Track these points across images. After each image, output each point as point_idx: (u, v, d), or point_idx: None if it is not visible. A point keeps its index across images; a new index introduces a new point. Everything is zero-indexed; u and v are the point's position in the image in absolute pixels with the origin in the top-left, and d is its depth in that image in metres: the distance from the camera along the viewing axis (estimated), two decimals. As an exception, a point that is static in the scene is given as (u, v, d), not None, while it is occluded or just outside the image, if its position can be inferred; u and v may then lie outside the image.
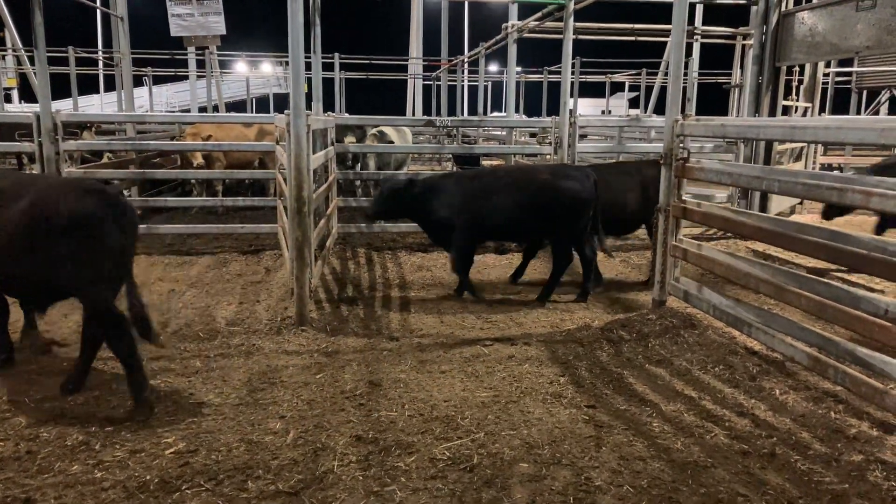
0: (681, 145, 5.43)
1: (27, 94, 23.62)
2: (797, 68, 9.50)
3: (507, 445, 3.58)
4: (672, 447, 3.58)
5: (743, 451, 3.55)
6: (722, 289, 5.70)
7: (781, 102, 8.90)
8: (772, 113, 8.63)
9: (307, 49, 6.20)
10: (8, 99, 22.30)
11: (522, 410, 4.02)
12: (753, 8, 9.05)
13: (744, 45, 11.92)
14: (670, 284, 5.65)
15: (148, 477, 3.24)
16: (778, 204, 9.17)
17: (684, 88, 7.28)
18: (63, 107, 14.37)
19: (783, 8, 8.65)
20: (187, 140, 9.92)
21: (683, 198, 5.50)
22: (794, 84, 9.62)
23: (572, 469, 3.37)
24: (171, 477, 3.25)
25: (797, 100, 9.85)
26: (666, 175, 5.52)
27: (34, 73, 15.79)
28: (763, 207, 8.85)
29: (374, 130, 9.63)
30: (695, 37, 12.47)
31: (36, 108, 7.72)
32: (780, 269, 4.49)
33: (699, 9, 14.64)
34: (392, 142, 9.74)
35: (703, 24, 13.80)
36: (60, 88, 18.25)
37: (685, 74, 5.82)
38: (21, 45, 20.21)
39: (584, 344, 5.18)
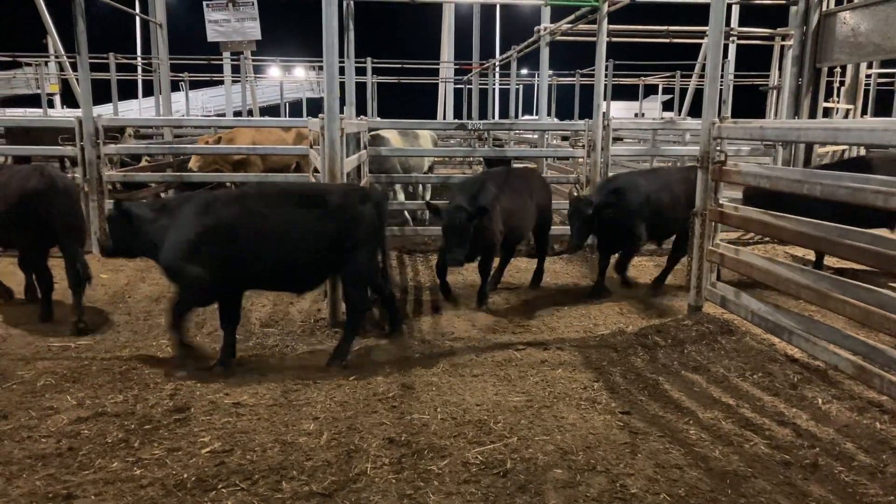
0: (717, 148, 5.34)
1: (69, 100, 24.24)
2: (838, 69, 9.28)
3: (541, 451, 3.55)
4: (710, 455, 3.51)
5: (784, 461, 3.46)
6: (759, 294, 5.58)
7: (822, 104, 8.70)
8: (812, 115, 8.43)
9: (341, 54, 6.25)
10: (51, 104, 22.94)
11: (556, 416, 3.98)
12: (793, 8, 8.88)
13: (782, 46, 11.68)
14: (707, 290, 5.55)
15: (185, 475, 3.29)
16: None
17: (720, 90, 7.12)
18: (104, 112, 14.75)
19: (824, 8, 8.45)
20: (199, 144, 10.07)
21: (720, 201, 5.40)
22: (836, 85, 9.39)
23: (607, 476, 3.32)
24: (207, 476, 3.29)
25: (838, 101, 9.61)
26: (702, 178, 5.43)
27: (76, 79, 16.21)
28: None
29: (370, 134, 9.55)
30: (731, 38, 12.26)
31: (78, 112, 7.93)
32: (823, 275, 4.38)
33: (735, 9, 14.38)
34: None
35: (740, 24, 13.55)
36: (101, 94, 18.73)
37: (721, 76, 5.71)
38: (63, 52, 20.78)
39: (618, 349, 5.12)
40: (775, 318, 4.68)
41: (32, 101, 26.12)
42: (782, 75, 11.03)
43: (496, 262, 6.64)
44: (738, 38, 12.43)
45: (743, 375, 4.56)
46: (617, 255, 6.83)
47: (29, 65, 24.31)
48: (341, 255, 4.70)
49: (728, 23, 13.78)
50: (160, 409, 4.03)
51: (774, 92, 12.49)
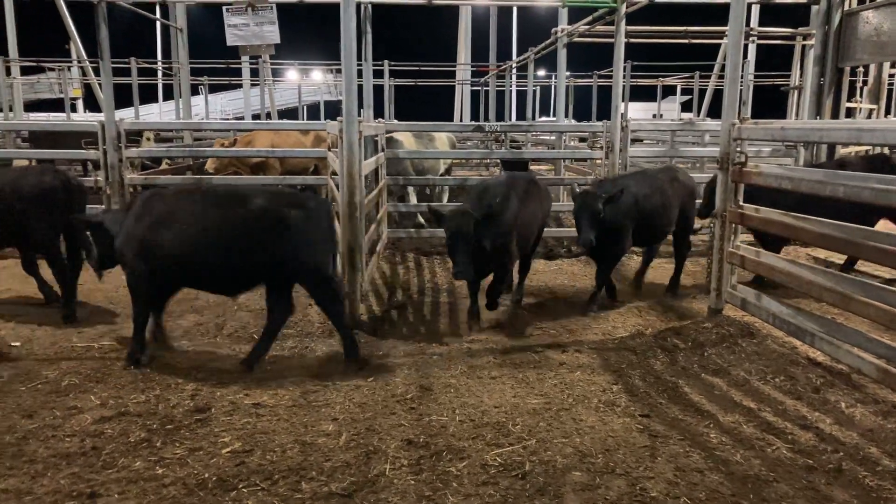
0: (738, 149, 5.29)
1: (91, 104, 24.58)
2: (861, 69, 9.15)
3: (560, 453, 3.54)
4: (731, 459, 3.48)
5: (807, 465, 3.42)
6: (781, 297, 5.51)
7: (845, 104, 8.58)
8: (834, 115, 8.33)
9: (358, 57, 6.28)
10: (73, 108, 23.28)
11: (575, 418, 3.97)
12: (814, 7, 8.77)
13: (804, 46, 11.55)
14: (727, 292, 5.50)
15: (206, 475, 3.32)
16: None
17: (740, 91, 7.08)
18: (125, 116, 14.94)
19: (846, 7, 8.35)
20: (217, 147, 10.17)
21: (741, 203, 5.35)
22: (858, 85, 9.26)
23: (627, 479, 3.30)
24: (228, 476, 3.32)
25: (861, 102, 9.48)
26: (722, 180, 5.38)
27: (98, 84, 16.44)
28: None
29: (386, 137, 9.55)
30: (751, 38, 12.15)
31: (100, 116, 8.04)
32: (846, 278, 4.32)
33: (755, 9, 14.25)
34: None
35: (760, 24, 13.42)
36: (122, 98, 18.97)
37: (740, 77, 5.64)
38: (86, 57, 21.08)
39: (637, 352, 5.08)
40: (798, 321, 4.62)
41: (56, 105, 26.56)
42: (803, 75, 10.89)
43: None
44: (759, 38, 12.31)
45: (764, 379, 4.51)
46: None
47: (52, 70, 24.72)
48: (265, 260, 4.59)
49: (748, 23, 13.66)
50: (181, 409, 4.07)
51: (795, 92, 12.34)
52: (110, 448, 3.57)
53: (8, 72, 18.80)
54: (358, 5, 6.28)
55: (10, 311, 5.98)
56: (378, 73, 17.90)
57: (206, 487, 3.22)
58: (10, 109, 18.52)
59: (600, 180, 6.28)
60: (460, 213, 5.26)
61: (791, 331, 4.73)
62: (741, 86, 12.94)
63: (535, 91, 17.04)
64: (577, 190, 5.98)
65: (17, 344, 5.17)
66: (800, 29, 11.61)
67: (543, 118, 27.20)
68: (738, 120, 5.26)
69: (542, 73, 27.21)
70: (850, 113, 9.05)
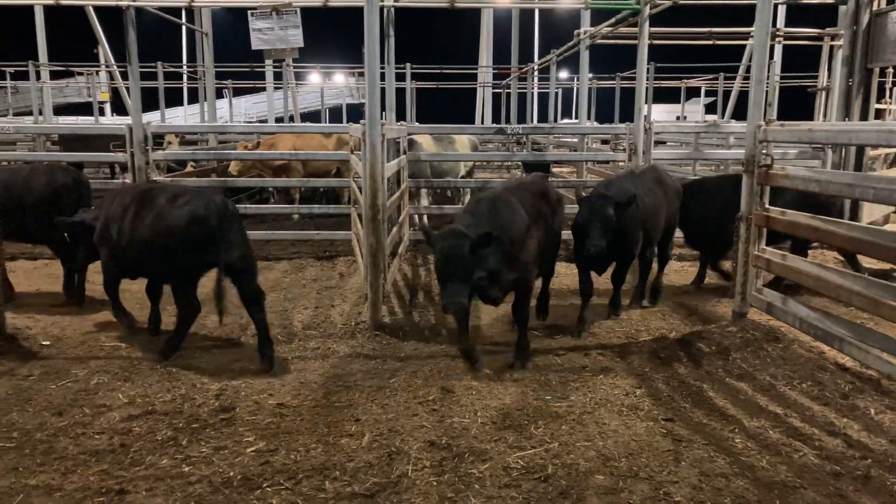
0: (763, 151, 5.23)
1: (118, 108, 25.02)
2: (890, 70, 8.99)
3: (583, 457, 3.52)
4: (756, 465, 3.44)
5: (835, 472, 3.37)
6: (805, 300, 5.44)
7: (874, 106, 8.44)
8: (863, 117, 8.19)
9: (381, 60, 6.31)
10: (101, 112, 23.71)
11: (597, 422, 3.95)
12: (842, 7, 8.64)
13: (831, 47, 11.38)
14: (752, 296, 5.43)
15: (231, 473, 3.36)
16: (869, 213, 8.68)
17: (765, 92, 6.94)
18: (151, 119, 15.17)
19: (875, 7, 8.21)
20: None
21: (766, 206, 5.29)
22: (888, 86, 9.10)
23: (650, 483, 3.28)
24: (252, 474, 3.36)
25: (891, 103, 9.31)
26: (748, 182, 5.33)
27: (126, 88, 16.71)
28: (853, 217, 8.39)
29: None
30: (777, 38, 12.00)
31: (127, 120, 8.18)
32: (876, 282, 4.25)
33: (781, 9, 14.06)
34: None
35: (786, 25, 13.24)
36: (148, 101, 19.27)
37: (766, 78, 5.56)
38: (114, 61, 21.45)
39: (660, 356, 5.04)
40: (826, 326, 4.55)
41: (84, 109, 27.06)
42: (831, 76, 10.73)
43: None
44: (785, 39, 12.15)
45: (791, 384, 4.45)
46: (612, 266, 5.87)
47: (81, 74, 25.21)
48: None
49: (774, 23, 13.49)
50: (206, 408, 4.13)
51: (823, 94, 12.16)
52: (138, 446, 3.63)
53: (38, 76, 19.18)
54: (381, 8, 6.32)
55: (40, 311, 6.10)
56: (400, 76, 18.00)
57: (231, 486, 3.26)
58: (41, 113, 18.91)
59: (605, 183, 5.93)
60: (452, 234, 4.40)
61: (819, 335, 4.66)
62: (767, 87, 12.80)
63: (556, 93, 17.01)
64: (584, 195, 5.66)
65: (48, 343, 5.28)
66: (827, 29, 11.44)
67: (565, 120, 27.10)
68: (763, 122, 5.21)
69: (563, 74, 27.12)
70: (879, 114, 8.89)
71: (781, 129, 5.12)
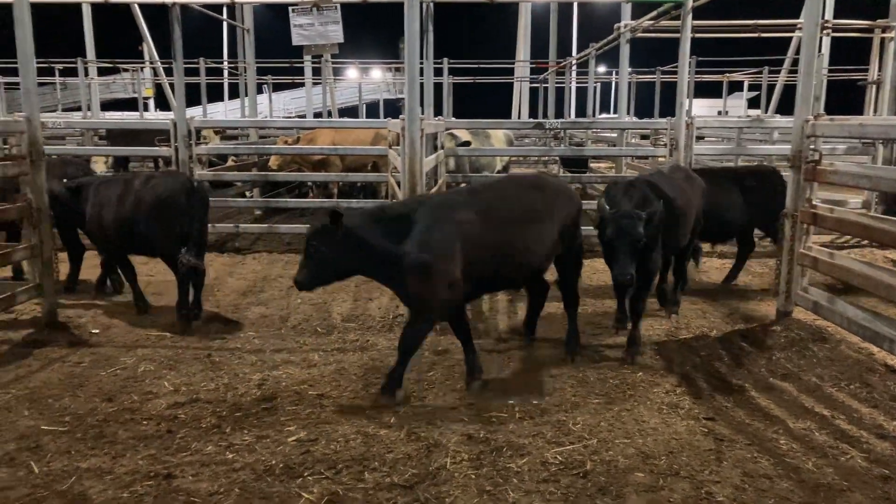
0: (811, 147, 5.10)
1: (161, 103, 25.56)
2: (946, 62, 8.65)
3: (622, 454, 3.50)
4: (802, 467, 3.37)
5: (883, 475, 3.29)
6: (854, 300, 5.29)
7: (928, 100, 8.15)
8: (916, 111, 7.92)
9: (420, 55, 6.32)
10: (145, 107, 24.25)
11: (637, 419, 3.92)
12: (895, -2, 8.34)
13: (882, 39, 11.00)
14: (797, 294, 5.31)
15: (273, 461, 3.43)
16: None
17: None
18: (193, 114, 15.48)
19: (931, -3, 7.92)
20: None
21: (814, 202, 5.16)
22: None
23: (691, 482, 3.24)
24: (294, 463, 3.42)
25: (945, 97, 8.96)
26: (794, 178, 5.21)
27: (168, 84, 17.08)
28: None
29: (445, 133, 9.54)
30: (825, 30, 11.66)
31: (170, 115, 8.37)
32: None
33: (829, 1, 13.63)
34: (467, 143, 9.63)
35: (835, 16, 12.84)
36: (190, 97, 19.65)
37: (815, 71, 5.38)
38: (158, 58, 21.92)
39: (701, 354, 4.97)
40: (875, 327, 4.42)
41: (129, 104, 27.72)
42: (882, 69, 10.38)
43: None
44: (833, 31, 11.78)
45: (838, 385, 4.35)
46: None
47: (126, 70, 25.83)
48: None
49: (822, 14, 13.10)
50: (249, 397, 4.21)
51: (873, 88, 11.78)
52: (184, 432, 3.73)
53: (86, 72, 19.71)
54: (420, 3, 6.32)
55: (89, 301, 6.29)
56: (437, 71, 18.01)
57: (273, 473, 3.33)
58: (88, 108, 19.44)
59: (625, 185, 5.01)
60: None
61: (868, 336, 4.53)
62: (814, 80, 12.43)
63: (595, 88, 16.80)
64: (609, 210, 4.71)
65: (97, 331, 5.45)
66: (878, 21, 11.06)
67: (603, 115, 26.78)
68: (812, 116, 5.08)
69: (601, 69, 26.78)
70: (932, 109, 8.58)
71: (831, 123, 4.98)
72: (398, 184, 6.42)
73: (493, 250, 4.29)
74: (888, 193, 7.33)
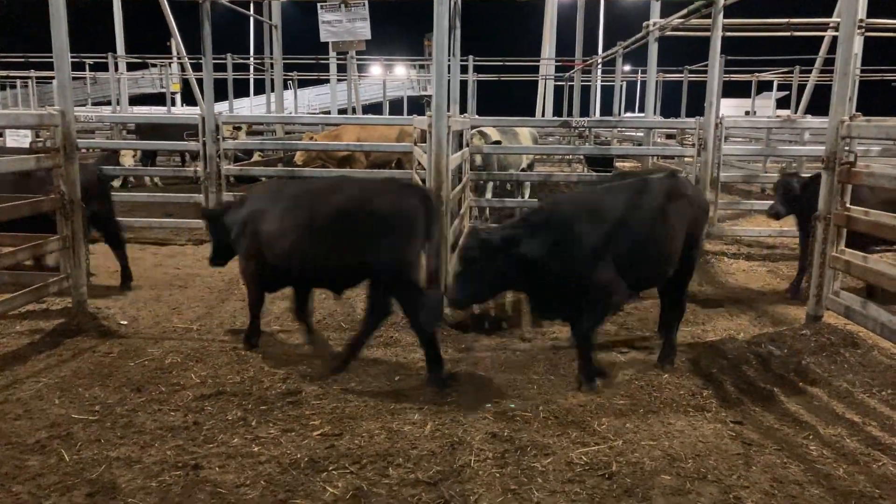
0: (846, 148, 5.00)
1: (188, 98, 25.86)
2: None
3: (648, 456, 3.47)
4: (833, 474, 3.31)
5: (918, 485, 3.22)
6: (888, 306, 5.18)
7: (965, 101, 7.95)
8: (953, 113, 7.73)
9: (447, 52, 6.30)
10: (172, 102, 24.57)
11: (663, 421, 3.87)
12: (934, -4, 8.14)
13: (919, 39, 10.78)
14: (828, 299, 5.21)
15: (298, 455, 3.45)
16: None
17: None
18: (220, 109, 15.64)
19: (971, -5, 7.72)
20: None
21: (847, 205, 5.06)
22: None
23: (719, 486, 3.20)
24: (319, 457, 3.44)
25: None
26: (828, 180, 5.11)
27: (195, 79, 17.30)
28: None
29: (474, 131, 9.49)
30: (860, 30, 11.43)
31: (197, 110, 8.46)
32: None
33: (863, 0, 13.35)
34: (498, 142, 9.59)
35: (868, 16, 12.58)
36: (217, 92, 19.83)
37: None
38: (185, 53, 22.19)
39: (728, 357, 4.91)
40: (909, 332, 4.32)
41: (157, 99, 28.10)
42: (918, 70, 10.15)
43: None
44: (867, 30, 11.55)
45: (870, 392, 4.26)
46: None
47: (154, 65, 26.18)
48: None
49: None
50: (274, 391, 4.25)
51: (908, 88, 11.53)
52: (210, 424, 3.77)
53: (115, 67, 20.01)
54: (448, 0, 6.31)
55: (117, 292, 6.39)
56: (462, 68, 17.99)
57: (298, 467, 3.35)
58: (118, 103, 19.74)
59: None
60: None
61: (901, 342, 4.44)
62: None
63: (621, 86, 16.67)
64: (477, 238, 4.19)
65: (125, 322, 5.53)
66: (915, 20, 10.82)
67: (628, 114, 26.55)
68: (847, 117, 4.97)
69: (627, 68, 26.56)
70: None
71: (867, 124, 4.88)
72: (423, 181, 6.42)
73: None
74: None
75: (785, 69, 19.68)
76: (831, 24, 10.91)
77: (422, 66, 29.13)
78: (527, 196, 10.37)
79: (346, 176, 6.15)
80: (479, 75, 22.01)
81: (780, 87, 23.83)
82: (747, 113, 23.66)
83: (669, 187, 4.60)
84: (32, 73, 22.74)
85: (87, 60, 22.39)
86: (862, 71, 19.75)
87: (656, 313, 5.81)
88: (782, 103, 25.06)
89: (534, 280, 4.20)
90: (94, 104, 26.22)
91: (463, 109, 16.55)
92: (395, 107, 30.67)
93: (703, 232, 4.80)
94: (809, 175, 6.68)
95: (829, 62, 12.01)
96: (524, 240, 4.11)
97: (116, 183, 12.77)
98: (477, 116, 12.81)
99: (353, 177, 6.16)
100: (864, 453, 3.52)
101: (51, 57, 5.23)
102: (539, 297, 4.40)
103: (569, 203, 4.60)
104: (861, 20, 10.17)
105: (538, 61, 25.83)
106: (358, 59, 23.40)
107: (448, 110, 6.12)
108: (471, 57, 18.67)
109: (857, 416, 3.95)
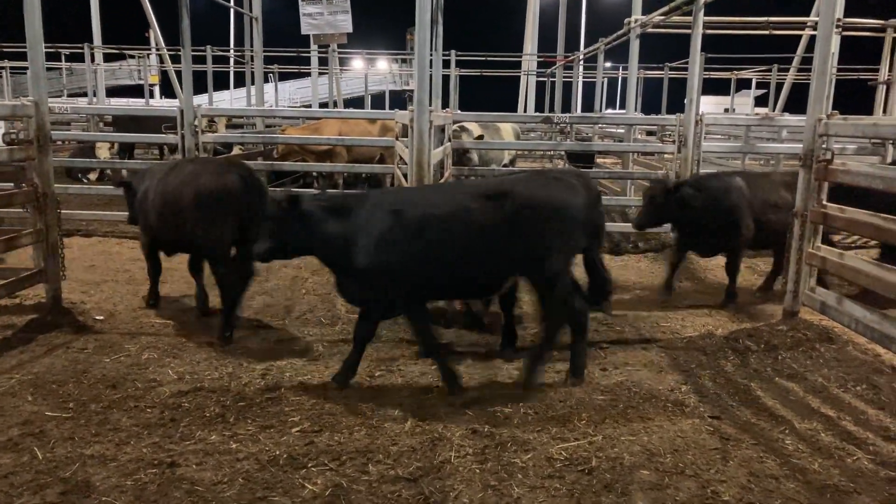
0: (823, 146, 5.06)
1: (167, 90, 25.53)
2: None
3: (627, 451, 3.48)
4: (808, 468, 3.35)
5: (890, 478, 3.27)
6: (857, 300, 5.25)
7: (939, 100, 8.09)
8: (927, 112, 7.86)
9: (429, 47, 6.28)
10: (150, 94, 24.23)
11: (642, 417, 3.90)
12: (909, -3, 8.26)
13: (894, 39, 10.93)
14: (804, 294, 5.28)
15: (277, 452, 3.42)
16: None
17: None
18: (200, 102, 15.43)
19: (945, -4, 7.85)
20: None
21: (824, 202, 5.12)
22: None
23: (697, 480, 3.23)
24: (297, 454, 3.41)
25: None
26: (805, 177, 5.16)
27: (174, 71, 17.05)
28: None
29: (455, 126, 9.45)
30: (837, 29, 11.57)
31: (176, 102, 8.34)
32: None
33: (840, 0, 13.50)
34: (481, 137, 9.57)
35: (845, 15, 12.74)
36: (196, 84, 19.58)
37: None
38: (164, 45, 21.88)
39: (707, 352, 4.95)
40: (883, 328, 4.38)
41: (134, 91, 27.69)
42: (893, 70, 10.31)
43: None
44: (844, 30, 11.69)
45: (844, 386, 4.32)
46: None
47: (132, 57, 25.79)
48: None
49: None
50: (252, 387, 4.20)
51: (884, 87, 11.71)
52: (187, 421, 3.72)
53: (92, 58, 19.68)
54: (430, -6, 6.26)
55: (94, 287, 6.29)
56: (444, 63, 17.93)
57: (277, 464, 3.32)
58: (94, 94, 19.42)
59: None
60: None
61: (875, 337, 4.50)
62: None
63: (603, 83, 16.72)
64: None
65: (101, 318, 5.44)
66: (891, 20, 11.00)
67: (609, 111, 26.67)
68: (824, 115, 5.03)
69: (608, 64, 26.66)
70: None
71: (844, 123, 4.94)
72: (405, 176, 6.39)
73: None
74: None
75: (763, 67, 19.90)
76: (809, 24, 11.04)
77: (404, 61, 29.03)
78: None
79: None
80: (462, 70, 21.96)
81: (759, 85, 24.10)
82: (727, 110, 23.89)
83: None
84: (7, 63, 22.30)
85: (64, 51, 22.01)
86: (839, 70, 20.03)
87: (635, 308, 5.85)
88: (761, 101, 25.33)
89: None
90: (71, 95, 25.75)
91: (445, 104, 16.52)
92: (377, 101, 30.51)
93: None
94: (676, 182, 6.17)
95: (806, 61, 12.14)
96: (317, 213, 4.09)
97: (93, 176, 12.57)
98: (459, 111, 12.78)
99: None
100: (839, 447, 3.57)
101: (25, 47, 5.12)
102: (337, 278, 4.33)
103: (377, 195, 4.40)
104: (838, 19, 10.29)
105: (520, 57, 25.84)
106: (340, 53, 23.23)
107: (430, 105, 6.10)
108: (453, 52, 18.62)
109: (832, 411, 4.00)
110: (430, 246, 4.01)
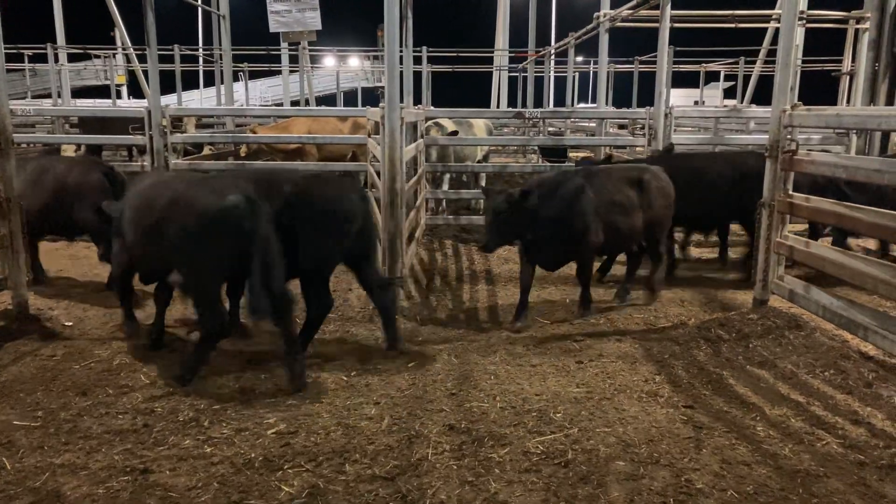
0: (788, 136, 5.15)
1: (135, 90, 25.11)
2: (918, 53, 8.78)
3: (602, 443, 3.52)
4: (779, 453, 3.41)
5: (858, 461, 3.34)
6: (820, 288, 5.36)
7: (900, 90, 8.28)
8: (889, 102, 8.05)
9: (399, 43, 6.25)
10: (118, 95, 23.79)
11: (617, 408, 3.94)
12: (869, -10, 8.44)
13: (857, 30, 11.15)
14: (773, 283, 5.37)
15: (253, 455, 3.39)
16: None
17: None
18: (168, 102, 15.20)
19: (904, -12, 8.03)
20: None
21: (790, 192, 5.21)
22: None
23: (671, 470, 3.27)
24: (273, 456, 3.38)
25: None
26: (771, 168, 5.25)
27: (143, 71, 16.77)
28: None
29: (431, 122, 9.44)
30: (801, 21, 11.77)
31: (144, 103, 8.19)
32: (903, 269, 4.18)
33: (805, -8, 13.75)
34: (455, 132, 9.57)
35: (810, 7, 12.98)
36: (165, 84, 19.28)
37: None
38: (130, 44, 21.50)
39: (679, 342, 5.02)
40: (850, 314, 4.48)
41: (101, 91, 27.17)
42: (856, 60, 10.53)
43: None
44: (808, 22, 11.91)
45: (813, 372, 4.41)
46: None
47: (98, 56, 25.30)
48: None
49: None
50: (227, 390, 4.16)
51: (847, 78, 11.95)
52: (161, 426, 3.67)
53: (56, 59, 19.26)
54: (399, -9, 6.23)
55: (63, 292, 6.16)
56: (416, 60, 17.88)
57: (252, 467, 3.29)
58: (59, 95, 19.02)
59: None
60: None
61: (842, 324, 4.60)
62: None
63: (574, 77, 16.82)
64: None
65: (70, 324, 5.34)
66: (853, 12, 11.22)
67: (581, 105, 26.86)
68: (789, 106, 5.12)
69: (580, 59, 26.84)
70: (904, 99, 8.71)
71: (808, 113, 5.02)
72: (377, 173, 6.37)
73: None
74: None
75: (731, 60, 20.19)
76: (774, 16, 11.21)
77: (375, 57, 28.85)
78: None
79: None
80: (434, 67, 21.92)
81: (727, 78, 24.45)
82: (696, 103, 24.19)
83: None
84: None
85: (26, 51, 21.51)
86: (803, 61, 20.41)
87: (611, 301, 5.90)
88: (729, 93, 25.72)
89: None
90: (35, 97, 25.19)
91: (417, 101, 16.49)
92: (350, 98, 30.35)
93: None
94: (521, 187, 5.31)
95: (773, 53, 12.37)
96: None
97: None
98: (431, 108, 12.76)
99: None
100: (809, 432, 3.64)
101: (-16, 48, 4.99)
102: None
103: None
104: (802, 11, 10.49)
105: (492, 52, 25.89)
106: (310, 50, 23.05)
107: (402, 101, 6.08)
108: (424, 48, 18.58)
109: (801, 397, 4.08)
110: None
